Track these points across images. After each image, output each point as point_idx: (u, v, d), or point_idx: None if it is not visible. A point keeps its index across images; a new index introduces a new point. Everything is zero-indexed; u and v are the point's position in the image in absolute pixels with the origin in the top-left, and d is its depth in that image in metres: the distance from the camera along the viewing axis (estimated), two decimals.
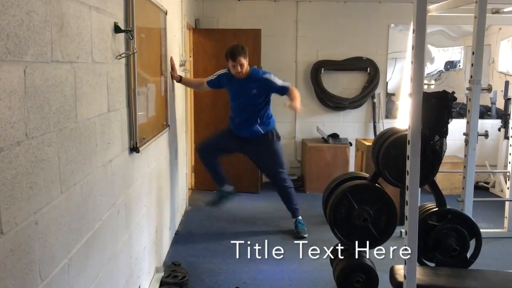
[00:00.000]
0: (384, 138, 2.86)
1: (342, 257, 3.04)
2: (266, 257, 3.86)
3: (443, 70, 6.48)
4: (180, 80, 4.23)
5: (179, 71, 4.37)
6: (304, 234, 4.32)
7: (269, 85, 4.22)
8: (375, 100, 6.36)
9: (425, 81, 6.22)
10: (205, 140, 4.57)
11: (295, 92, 4.24)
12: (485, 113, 6.26)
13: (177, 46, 4.38)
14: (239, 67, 4.14)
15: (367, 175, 3.15)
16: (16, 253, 1.30)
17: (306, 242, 4.21)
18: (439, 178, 4.12)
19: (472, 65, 3.57)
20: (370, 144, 4.21)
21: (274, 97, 6.06)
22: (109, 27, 2.17)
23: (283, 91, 4.27)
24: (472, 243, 2.77)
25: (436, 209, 2.82)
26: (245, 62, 4.16)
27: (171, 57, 4.00)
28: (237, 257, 3.84)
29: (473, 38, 3.54)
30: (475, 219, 2.88)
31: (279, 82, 4.26)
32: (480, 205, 4.80)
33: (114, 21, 2.23)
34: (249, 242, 4.18)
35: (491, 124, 5.98)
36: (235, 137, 4.45)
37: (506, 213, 4.44)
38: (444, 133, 2.49)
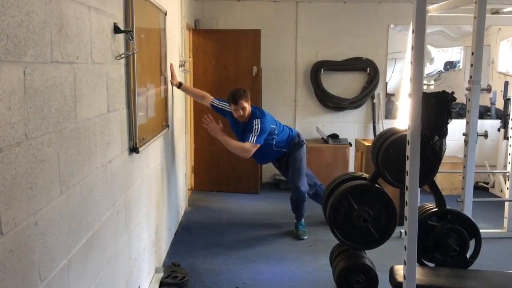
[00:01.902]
0: (383, 138, 2.86)
1: (342, 258, 3.04)
2: (266, 257, 3.88)
3: (443, 70, 6.48)
4: (179, 86, 4.21)
5: (179, 72, 4.36)
6: (304, 236, 4.32)
7: (250, 130, 4.08)
8: (374, 101, 6.37)
9: (425, 82, 6.22)
10: None
11: (238, 144, 4.13)
12: (484, 113, 6.26)
13: (177, 47, 4.38)
14: (241, 111, 4.12)
15: (366, 175, 3.15)
16: (15, 253, 1.30)
17: (306, 242, 4.23)
18: (438, 179, 4.13)
19: (471, 65, 3.57)
20: (370, 144, 4.21)
21: (276, 99, 6.08)
22: (108, 27, 2.17)
23: (246, 138, 4.09)
24: (472, 243, 2.77)
25: (436, 209, 2.82)
26: (247, 105, 4.13)
27: (171, 64, 3.99)
28: (237, 257, 3.86)
29: (473, 38, 3.54)
30: (475, 220, 2.88)
31: (254, 132, 4.06)
32: (479, 205, 4.81)
33: (113, 22, 2.23)
34: (248, 243, 4.20)
35: (490, 125, 5.98)
36: (274, 162, 4.63)
37: (506, 213, 4.44)
38: (444, 133, 2.49)
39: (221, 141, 4.19)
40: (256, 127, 4.10)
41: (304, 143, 4.50)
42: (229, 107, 4.28)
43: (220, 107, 4.37)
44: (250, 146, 4.08)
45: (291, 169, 4.39)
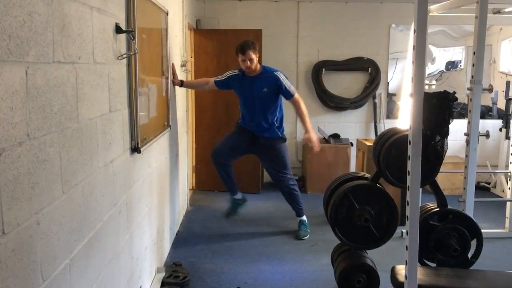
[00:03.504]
0: (385, 138, 2.86)
1: (343, 257, 3.04)
2: (267, 257, 3.88)
3: (444, 70, 6.47)
4: (181, 84, 4.22)
5: (180, 71, 4.37)
6: (304, 236, 4.31)
7: (277, 83, 4.14)
8: (376, 100, 6.37)
9: (426, 81, 6.22)
10: (218, 144, 4.51)
11: (303, 109, 4.19)
12: (486, 113, 6.26)
13: (178, 47, 4.38)
14: (248, 62, 4.09)
15: (368, 175, 3.15)
16: (18, 253, 1.31)
17: (307, 242, 4.23)
18: (440, 178, 4.12)
19: (473, 65, 3.57)
20: (371, 144, 4.21)
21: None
22: (110, 27, 2.17)
23: (287, 95, 4.19)
24: (473, 243, 2.77)
25: (437, 209, 2.82)
26: (254, 57, 4.11)
27: (173, 64, 3.99)
28: (238, 257, 3.86)
29: (474, 38, 3.54)
30: (476, 220, 2.88)
31: (287, 84, 4.17)
32: (481, 205, 4.81)
33: (115, 22, 2.23)
34: (250, 242, 4.21)
35: (492, 124, 5.98)
36: (247, 132, 4.33)
37: (507, 213, 4.44)
38: (445, 133, 2.49)
39: (312, 127, 4.24)
40: (284, 80, 4.18)
41: (286, 139, 4.48)
42: (232, 72, 4.30)
43: (225, 78, 4.35)
44: (297, 96, 4.22)
45: (276, 164, 4.34)
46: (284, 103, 4.38)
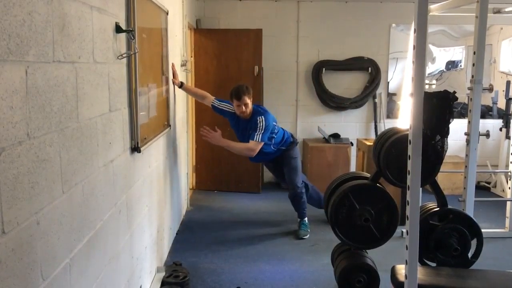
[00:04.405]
0: (385, 138, 2.86)
1: (343, 257, 3.04)
2: (267, 256, 3.88)
3: (445, 70, 6.47)
4: (181, 86, 4.22)
5: (180, 71, 4.37)
6: (304, 236, 4.32)
7: (255, 126, 4.15)
8: (376, 100, 6.36)
9: (427, 81, 6.22)
10: None
11: (243, 146, 4.21)
12: (486, 113, 6.26)
13: (178, 46, 4.38)
14: (243, 107, 4.14)
15: (368, 175, 3.15)
16: (18, 252, 1.31)
17: (307, 242, 4.23)
18: (440, 178, 4.13)
19: (473, 65, 3.57)
20: (371, 144, 4.21)
21: (277, 99, 6.09)
22: (110, 27, 2.17)
23: (251, 137, 4.15)
24: (474, 243, 2.77)
25: (437, 209, 2.82)
26: (249, 101, 4.17)
27: (173, 64, 3.99)
28: (239, 257, 3.86)
29: (475, 37, 3.53)
30: (477, 219, 2.87)
31: (259, 131, 4.13)
32: (481, 205, 4.81)
33: (115, 21, 2.23)
34: (250, 242, 4.21)
35: (492, 124, 5.98)
36: (268, 162, 4.59)
37: (507, 213, 4.44)
38: (446, 133, 2.49)
39: (225, 147, 4.26)
40: (261, 124, 4.15)
41: (297, 142, 4.59)
42: (230, 107, 4.32)
43: (221, 107, 4.41)
44: (255, 144, 4.14)
45: (287, 167, 4.43)
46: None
